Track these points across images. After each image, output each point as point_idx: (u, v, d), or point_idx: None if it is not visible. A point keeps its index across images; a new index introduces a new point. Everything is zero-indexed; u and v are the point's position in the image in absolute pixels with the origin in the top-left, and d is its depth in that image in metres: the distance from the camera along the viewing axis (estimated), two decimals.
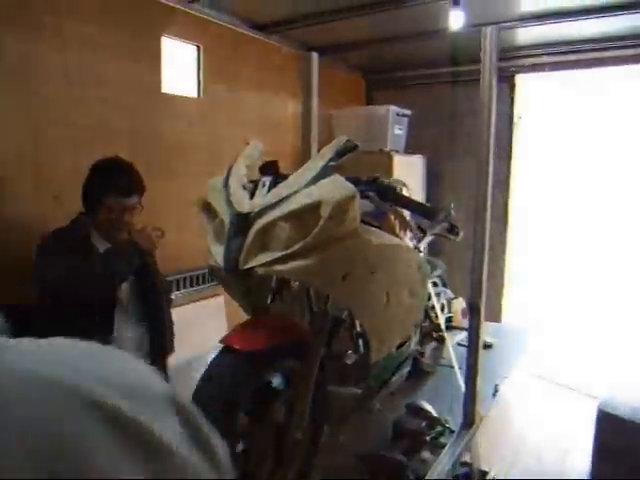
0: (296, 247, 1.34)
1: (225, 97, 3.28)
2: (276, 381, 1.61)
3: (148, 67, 2.78)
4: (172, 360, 2.32)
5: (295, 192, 1.38)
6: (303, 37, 3.59)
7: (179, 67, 3.04)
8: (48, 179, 2.34)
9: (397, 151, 4.14)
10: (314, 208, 1.33)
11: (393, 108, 4.02)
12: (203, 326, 3.06)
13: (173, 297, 2.96)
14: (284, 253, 1.34)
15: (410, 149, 4.38)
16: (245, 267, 1.36)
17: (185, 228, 2.77)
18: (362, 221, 1.66)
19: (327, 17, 3.18)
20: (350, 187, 1.37)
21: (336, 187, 1.37)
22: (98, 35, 2.49)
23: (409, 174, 4.15)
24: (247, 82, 3.43)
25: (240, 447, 1.47)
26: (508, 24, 2.90)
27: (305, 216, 1.35)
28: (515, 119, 4.57)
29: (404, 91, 4.64)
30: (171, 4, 2.82)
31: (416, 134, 4.39)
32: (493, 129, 1.99)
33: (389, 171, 3.90)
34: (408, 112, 4.23)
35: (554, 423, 3.19)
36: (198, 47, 3.09)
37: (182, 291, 3.08)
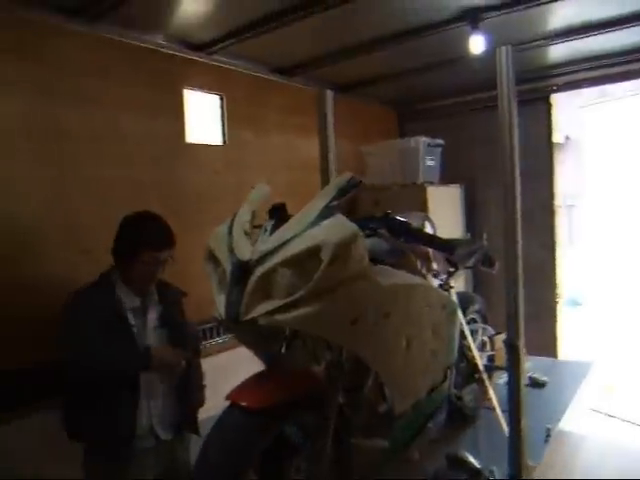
0: (298, 294, 1.26)
1: (250, 142, 3.30)
2: (293, 437, 1.51)
3: (172, 119, 2.84)
4: (206, 412, 2.26)
5: (295, 235, 1.31)
6: (326, 76, 3.60)
7: (203, 117, 3.09)
8: (78, 234, 2.38)
9: (431, 182, 4.03)
10: (314, 252, 1.26)
11: (424, 139, 3.94)
12: (238, 374, 2.99)
13: (207, 345, 2.93)
14: (285, 301, 1.27)
15: (447, 179, 4.26)
16: (246, 318, 1.29)
17: None
18: (378, 260, 1.58)
19: (347, 55, 3.19)
20: (351, 227, 1.28)
21: (337, 228, 1.29)
22: (121, 91, 2.57)
23: (445, 205, 4.03)
24: (271, 126, 3.46)
25: None
26: (526, 45, 2.79)
27: (306, 261, 1.28)
28: (558, 139, 4.40)
29: (437, 121, 4.56)
30: (191, 56, 2.90)
31: (453, 163, 4.27)
32: (517, 155, 1.87)
33: (423, 203, 3.79)
34: (440, 142, 4.13)
35: (626, 468, 2.88)
36: (221, 96, 3.14)
37: (216, 339, 3.04)
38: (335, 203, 1.37)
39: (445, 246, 1.59)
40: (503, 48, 1.86)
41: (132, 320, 1.96)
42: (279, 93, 3.50)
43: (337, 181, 1.43)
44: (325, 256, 1.23)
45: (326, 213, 1.33)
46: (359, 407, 1.69)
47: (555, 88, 3.94)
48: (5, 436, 1.99)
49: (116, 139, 2.55)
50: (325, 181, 2.27)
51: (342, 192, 1.39)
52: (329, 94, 2.32)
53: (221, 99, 3.15)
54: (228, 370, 2.92)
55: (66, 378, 1.87)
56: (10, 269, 2.13)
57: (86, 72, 2.42)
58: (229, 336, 3.08)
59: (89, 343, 1.82)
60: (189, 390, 2.08)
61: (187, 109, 2.94)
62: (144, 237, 1.94)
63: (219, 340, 3.06)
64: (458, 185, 4.32)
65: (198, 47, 2.88)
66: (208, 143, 3.10)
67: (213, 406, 2.39)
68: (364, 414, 1.71)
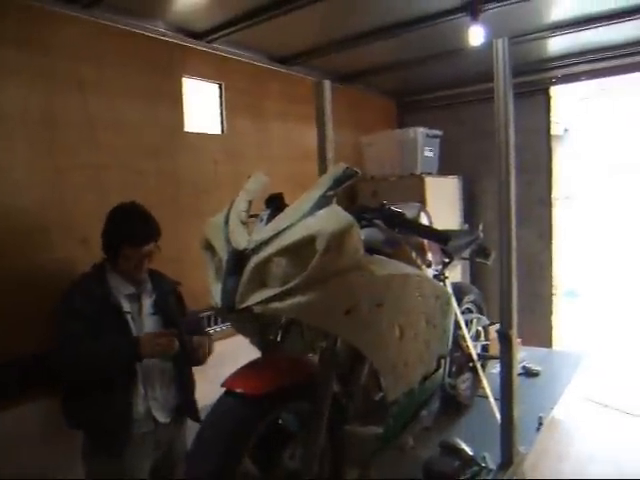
0: (293, 283, 1.27)
1: (249, 132, 3.31)
2: (288, 424, 1.53)
3: (170, 108, 2.84)
4: (205, 399, 2.28)
5: (291, 225, 1.33)
6: (326, 66, 3.60)
7: (202, 105, 3.09)
8: (75, 224, 2.39)
9: (430, 173, 4.04)
10: (310, 241, 1.27)
11: (422, 130, 3.94)
12: (239, 362, 3.00)
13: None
14: (280, 290, 1.28)
15: (445, 170, 4.27)
16: (241, 306, 1.31)
17: None
18: (374, 250, 1.60)
19: (347, 44, 3.19)
20: (347, 217, 1.30)
21: (332, 218, 1.30)
22: (118, 79, 2.57)
23: (443, 196, 4.05)
24: (271, 115, 3.46)
25: None
26: (524, 37, 2.80)
27: (301, 250, 1.29)
28: (556, 132, 4.41)
29: (436, 112, 4.57)
30: (190, 44, 2.89)
31: (451, 154, 4.29)
32: (512, 146, 1.88)
33: (422, 194, 3.81)
34: (439, 133, 4.14)
35: (617, 457, 2.92)
36: (220, 85, 3.14)
37: (214, 327, 3.06)
38: (331, 193, 1.38)
39: (439, 237, 1.60)
40: (499, 40, 1.87)
41: (127, 307, 1.99)
42: (279, 82, 3.50)
43: (333, 171, 1.44)
44: (320, 246, 1.25)
45: (322, 203, 1.35)
46: (353, 395, 1.72)
47: (554, 80, 3.94)
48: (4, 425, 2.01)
49: (114, 127, 2.55)
50: (323, 171, 2.28)
51: (338, 182, 1.41)
52: (327, 84, 2.32)
53: (220, 88, 3.15)
54: (225, 358, 2.95)
55: (62, 367, 1.90)
56: (8, 258, 2.13)
57: (83, 59, 2.42)
58: (226, 324, 3.11)
59: (77, 338, 1.84)
60: (186, 375, 2.11)
61: (186, 98, 2.94)
62: (123, 233, 1.97)
63: (217, 328, 3.08)
64: (456, 176, 4.33)
65: (197, 35, 2.88)
66: (207, 132, 3.10)
67: (211, 393, 2.42)
68: (359, 402, 1.74)
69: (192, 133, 2.97)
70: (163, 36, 2.78)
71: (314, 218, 1.31)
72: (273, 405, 1.42)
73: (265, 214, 1.45)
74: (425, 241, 1.95)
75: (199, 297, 2.61)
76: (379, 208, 1.60)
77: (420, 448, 2.08)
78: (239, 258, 1.34)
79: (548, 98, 4.04)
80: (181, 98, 2.91)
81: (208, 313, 3.00)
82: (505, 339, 1.91)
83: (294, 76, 3.57)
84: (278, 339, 1.63)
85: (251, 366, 1.48)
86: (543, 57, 3.66)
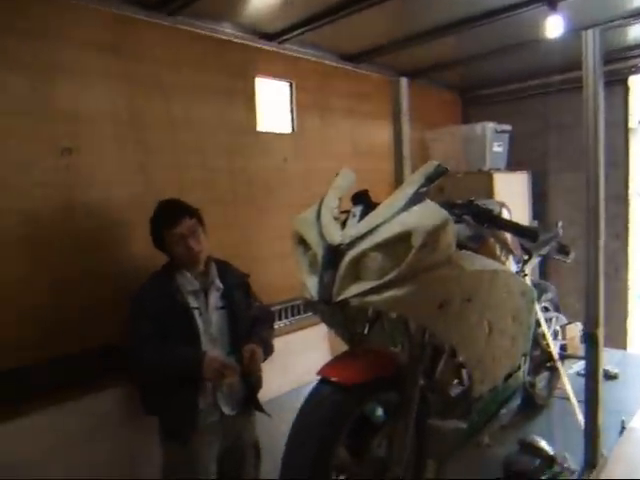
0: (388, 277, 1.31)
1: (319, 129, 3.35)
2: (376, 414, 1.57)
3: (244, 107, 2.91)
4: (276, 391, 2.33)
5: (385, 221, 1.36)
6: (393, 62, 3.59)
7: (272, 104, 3.16)
8: None
9: (498, 169, 3.96)
10: (405, 237, 1.30)
11: (491, 125, 3.87)
12: (306, 355, 3.05)
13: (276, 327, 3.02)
14: (377, 284, 1.32)
15: (514, 166, 4.18)
16: (338, 299, 1.35)
17: (286, 258, 2.80)
18: (460, 246, 1.61)
19: (416, 41, 3.16)
20: (442, 214, 1.32)
21: (427, 214, 1.32)
22: (197, 82, 2.66)
23: (512, 192, 3.96)
24: (340, 113, 3.49)
25: None
26: (611, 24, 2.68)
27: (396, 245, 1.32)
28: (632, 125, 4.21)
29: (503, 105, 4.46)
30: (262, 46, 2.96)
31: (520, 150, 4.18)
32: (602, 140, 1.83)
33: (490, 190, 3.74)
34: (508, 127, 4.04)
35: None
36: (290, 84, 3.20)
37: (284, 321, 3.13)
38: (424, 190, 1.40)
39: (528, 233, 1.59)
40: (590, 31, 1.82)
41: (194, 303, 2.04)
42: (346, 80, 3.52)
43: (424, 169, 1.46)
44: (416, 241, 1.27)
45: (415, 200, 1.37)
46: (434, 389, 1.73)
47: (634, 70, 3.77)
48: (80, 411, 2.08)
49: (192, 127, 2.63)
50: (399, 168, 2.29)
51: (430, 180, 1.43)
52: (403, 81, 2.34)
53: (290, 86, 3.21)
54: (293, 350, 3.01)
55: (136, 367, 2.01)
56: (100, 250, 2.26)
57: (165, 63, 2.51)
58: (295, 318, 3.18)
59: (148, 339, 1.93)
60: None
61: (258, 97, 3.01)
62: (157, 221, 2.07)
63: (286, 322, 3.15)
64: (525, 172, 4.22)
65: (269, 36, 2.94)
66: (278, 130, 3.16)
67: (280, 385, 2.47)
68: (439, 396, 1.75)
69: (264, 132, 3.04)
70: (237, 38, 2.85)
71: (409, 214, 1.34)
72: (365, 394, 1.46)
73: (357, 210, 1.49)
74: (508, 237, 1.93)
75: (272, 291, 2.70)
76: (467, 204, 1.61)
77: (496, 445, 2.07)
78: (334, 253, 1.38)
79: (627, 89, 3.86)
80: (254, 98, 2.98)
81: (279, 307, 3.08)
82: (591, 339, 1.86)
83: (360, 73, 3.58)
84: (365, 332, 1.66)
85: (344, 357, 1.53)
86: (622, 46, 3.50)
